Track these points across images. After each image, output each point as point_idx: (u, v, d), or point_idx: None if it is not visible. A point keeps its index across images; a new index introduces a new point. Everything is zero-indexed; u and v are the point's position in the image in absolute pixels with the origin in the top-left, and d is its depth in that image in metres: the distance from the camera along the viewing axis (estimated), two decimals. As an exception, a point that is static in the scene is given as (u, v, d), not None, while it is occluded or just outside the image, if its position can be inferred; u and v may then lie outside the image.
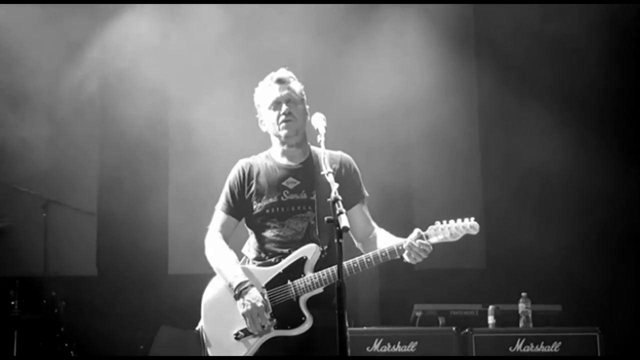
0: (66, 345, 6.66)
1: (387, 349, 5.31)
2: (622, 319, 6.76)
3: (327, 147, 3.48)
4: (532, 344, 5.31)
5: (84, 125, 7.63)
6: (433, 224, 3.44)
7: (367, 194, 3.73)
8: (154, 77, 7.48)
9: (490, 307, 5.70)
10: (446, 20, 7.64)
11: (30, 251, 6.94)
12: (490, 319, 5.65)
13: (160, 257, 7.54)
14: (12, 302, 6.50)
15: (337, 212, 2.99)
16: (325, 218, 3.38)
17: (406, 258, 3.42)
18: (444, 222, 3.44)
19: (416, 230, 3.42)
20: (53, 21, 7.47)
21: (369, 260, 3.42)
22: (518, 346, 5.32)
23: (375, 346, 5.32)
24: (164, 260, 7.58)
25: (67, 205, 6.97)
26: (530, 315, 5.58)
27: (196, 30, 7.56)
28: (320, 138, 3.43)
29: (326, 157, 3.33)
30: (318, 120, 3.51)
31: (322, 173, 3.26)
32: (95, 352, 7.04)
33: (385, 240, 3.55)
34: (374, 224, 3.70)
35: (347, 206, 3.44)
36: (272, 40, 7.37)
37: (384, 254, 3.41)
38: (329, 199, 3.07)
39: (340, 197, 3.04)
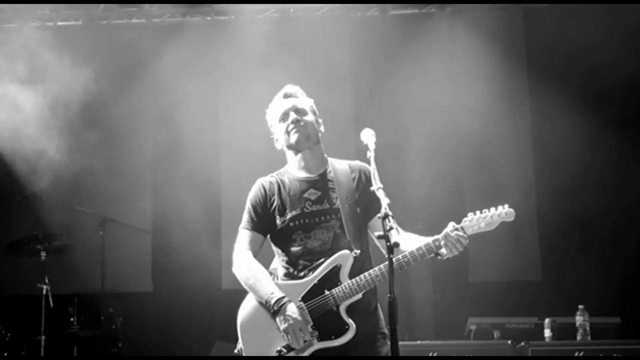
0: (124, 360, 6.77)
1: (441, 363, 5.26)
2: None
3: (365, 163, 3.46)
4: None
5: (138, 148, 7.79)
6: (466, 215, 3.39)
7: (388, 200, 3.44)
8: (206, 103, 7.62)
9: (547, 320, 5.61)
10: (496, 31, 7.60)
11: (88, 268, 7.06)
12: (547, 332, 5.56)
13: (214, 273, 7.61)
14: (71, 319, 6.61)
15: (387, 227, 2.98)
16: (376, 233, 3.39)
17: (443, 251, 3.35)
18: (477, 212, 3.39)
19: (451, 224, 3.37)
20: (113, 42, 7.68)
21: (406, 260, 3.36)
22: (576, 360, 5.22)
23: (430, 360, 5.28)
24: (217, 275, 7.66)
25: (123, 224, 7.09)
26: (588, 327, 5.47)
27: (244, 53, 7.65)
28: (370, 154, 3.37)
29: (376, 172, 3.27)
30: (367, 136, 3.46)
31: (372, 189, 3.24)
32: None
33: (415, 240, 3.45)
34: (399, 228, 3.49)
35: (373, 213, 3.45)
36: (320, 58, 7.39)
37: (420, 251, 3.35)
38: (379, 215, 3.06)
39: (390, 213, 3.03)
